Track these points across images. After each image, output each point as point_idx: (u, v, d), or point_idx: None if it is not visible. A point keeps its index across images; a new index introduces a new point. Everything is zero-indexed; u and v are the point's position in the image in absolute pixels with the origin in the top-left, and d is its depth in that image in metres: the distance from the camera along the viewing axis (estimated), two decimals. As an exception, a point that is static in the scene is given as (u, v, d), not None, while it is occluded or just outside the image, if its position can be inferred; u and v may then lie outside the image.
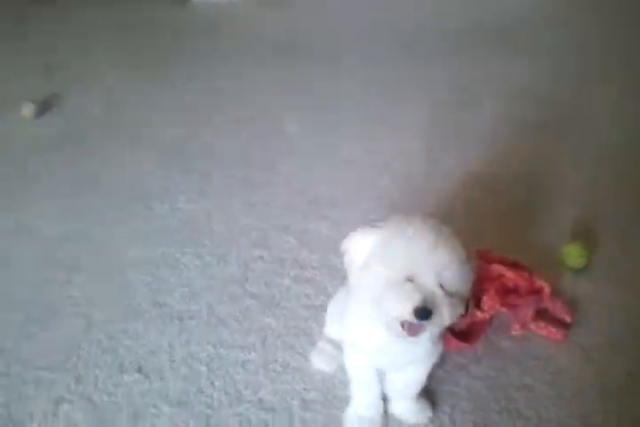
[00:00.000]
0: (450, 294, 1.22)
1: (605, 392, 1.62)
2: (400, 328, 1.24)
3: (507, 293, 1.80)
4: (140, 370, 1.71)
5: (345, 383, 1.61)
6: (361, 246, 1.29)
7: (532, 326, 1.76)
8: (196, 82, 3.22)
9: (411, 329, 1.24)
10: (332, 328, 1.71)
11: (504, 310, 1.78)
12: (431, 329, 1.28)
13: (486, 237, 2.05)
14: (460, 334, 1.72)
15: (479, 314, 1.75)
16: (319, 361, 1.70)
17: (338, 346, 1.66)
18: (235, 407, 1.61)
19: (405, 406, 1.55)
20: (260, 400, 1.63)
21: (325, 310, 1.74)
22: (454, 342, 1.69)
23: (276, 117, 2.89)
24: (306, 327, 1.83)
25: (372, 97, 3.02)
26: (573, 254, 1.95)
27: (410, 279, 1.20)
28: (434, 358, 1.48)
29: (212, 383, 1.67)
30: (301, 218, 2.25)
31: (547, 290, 1.82)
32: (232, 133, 2.78)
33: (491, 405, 1.59)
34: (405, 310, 1.20)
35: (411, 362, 1.45)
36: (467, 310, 1.62)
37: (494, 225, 2.17)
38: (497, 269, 1.83)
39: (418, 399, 1.56)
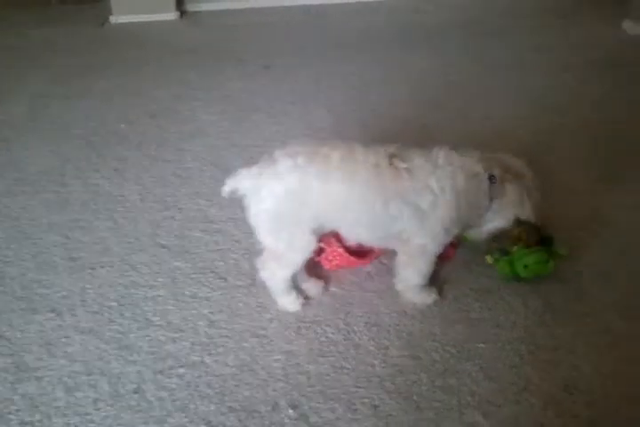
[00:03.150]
0: None
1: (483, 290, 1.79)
2: None
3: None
4: (52, 311, 1.79)
5: (248, 305, 1.75)
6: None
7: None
8: (112, 86, 3.36)
9: None
10: None
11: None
12: None
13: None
14: (355, 253, 1.88)
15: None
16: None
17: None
18: (144, 331, 1.71)
19: None
20: (169, 323, 1.73)
21: (233, 253, 1.98)
22: (347, 258, 1.85)
23: (188, 109, 3.05)
24: (213, 266, 1.94)
25: (282, 93, 3.22)
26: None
27: None
28: None
29: (122, 314, 1.77)
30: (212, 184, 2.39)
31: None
32: (147, 124, 2.92)
33: (381, 309, 1.74)
34: None
35: None
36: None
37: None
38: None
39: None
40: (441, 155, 1.62)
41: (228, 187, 1.65)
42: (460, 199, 1.60)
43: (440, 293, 1.78)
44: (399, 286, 1.77)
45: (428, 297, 1.76)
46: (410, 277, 1.74)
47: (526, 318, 1.70)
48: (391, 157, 1.58)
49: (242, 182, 1.63)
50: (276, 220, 1.62)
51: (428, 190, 1.58)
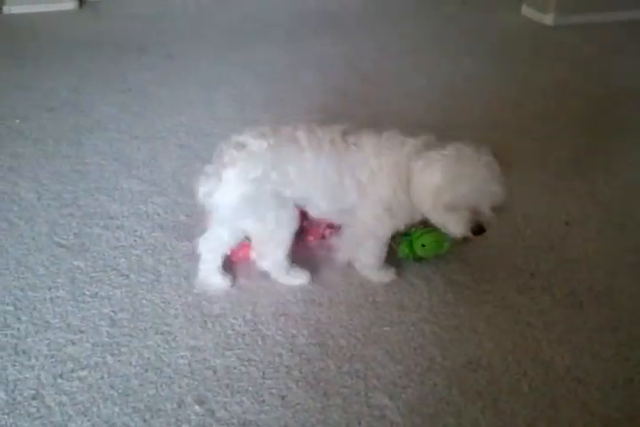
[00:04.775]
0: None
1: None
2: None
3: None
4: (-59, 321, 1.69)
5: (152, 302, 1.71)
6: None
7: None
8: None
9: None
10: None
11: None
12: None
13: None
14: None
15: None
16: None
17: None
18: (42, 334, 1.63)
19: None
20: (69, 325, 1.66)
21: (135, 249, 1.92)
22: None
23: (88, 101, 2.94)
24: (115, 264, 1.88)
25: (186, 82, 3.15)
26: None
27: None
28: None
29: (19, 318, 1.69)
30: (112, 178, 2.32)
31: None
32: (44, 118, 2.79)
33: (288, 298, 1.74)
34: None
35: None
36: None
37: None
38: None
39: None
40: (387, 136, 1.66)
41: (202, 191, 1.62)
42: (395, 179, 1.62)
43: (346, 278, 1.79)
44: (357, 266, 1.81)
45: (385, 276, 1.80)
46: (362, 257, 1.78)
47: (430, 299, 1.73)
48: (344, 133, 1.64)
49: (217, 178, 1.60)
50: (256, 200, 1.61)
51: (368, 165, 1.62)
